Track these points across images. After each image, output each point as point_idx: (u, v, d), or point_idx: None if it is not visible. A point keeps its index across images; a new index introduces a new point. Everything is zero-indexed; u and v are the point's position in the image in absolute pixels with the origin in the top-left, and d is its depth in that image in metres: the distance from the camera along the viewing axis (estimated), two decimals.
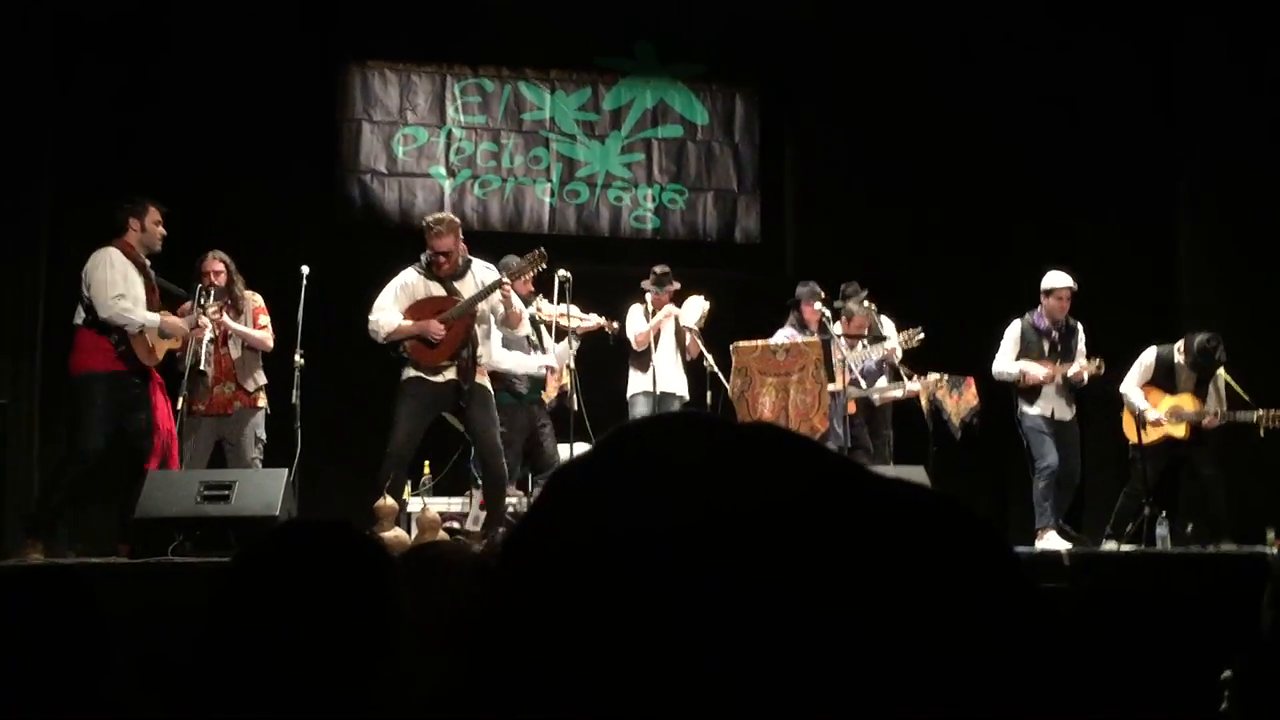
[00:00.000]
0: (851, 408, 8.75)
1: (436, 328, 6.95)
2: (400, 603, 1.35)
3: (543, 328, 8.28)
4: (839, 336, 8.47)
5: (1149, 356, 8.57)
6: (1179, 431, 8.36)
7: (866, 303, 9.05)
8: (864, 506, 0.73)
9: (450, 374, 7.03)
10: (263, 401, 7.56)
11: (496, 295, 7.06)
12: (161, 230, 6.99)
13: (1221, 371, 8.43)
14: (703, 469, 0.71)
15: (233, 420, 7.48)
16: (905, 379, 8.80)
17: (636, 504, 0.70)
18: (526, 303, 8.27)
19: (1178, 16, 10.05)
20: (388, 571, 1.36)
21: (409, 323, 7.02)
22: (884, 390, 9.02)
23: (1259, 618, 2.14)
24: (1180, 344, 8.45)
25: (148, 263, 6.99)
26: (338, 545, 1.34)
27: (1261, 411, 8.23)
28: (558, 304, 8.13)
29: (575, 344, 8.66)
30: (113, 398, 6.74)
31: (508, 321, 7.23)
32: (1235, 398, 8.40)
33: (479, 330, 7.14)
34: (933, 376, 8.91)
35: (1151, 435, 8.35)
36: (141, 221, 6.93)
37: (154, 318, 6.84)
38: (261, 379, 7.59)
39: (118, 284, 6.73)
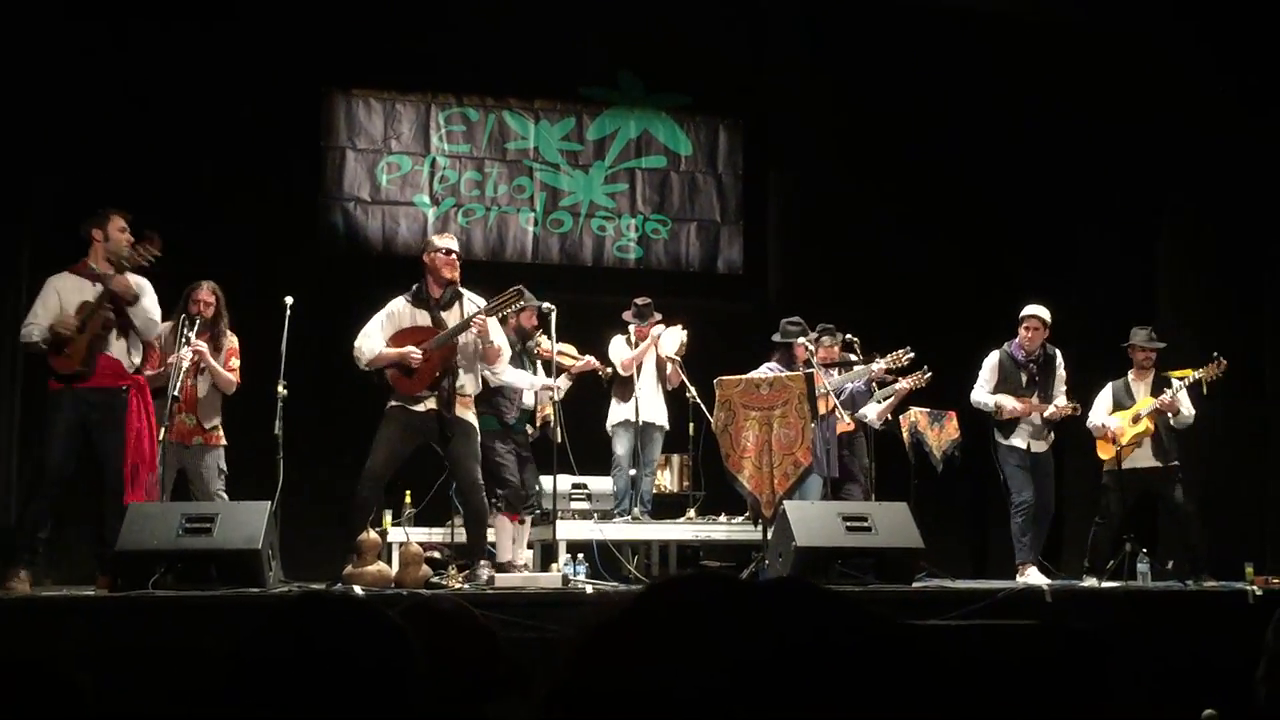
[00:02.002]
0: (843, 427, 8.70)
1: (415, 355, 6.92)
2: (419, 689, 1.33)
3: (539, 363, 8.25)
4: (824, 368, 8.46)
5: (1105, 392, 8.70)
6: (1144, 426, 8.38)
7: (846, 336, 9.04)
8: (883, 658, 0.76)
9: (430, 404, 6.98)
10: (221, 439, 7.55)
11: (470, 330, 7.03)
12: (126, 236, 6.89)
13: (1176, 381, 8.46)
14: (728, 630, 0.74)
15: (192, 452, 7.45)
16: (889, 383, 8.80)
17: (670, 665, 0.72)
18: (528, 337, 8.25)
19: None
20: (412, 658, 1.34)
21: (390, 350, 7.00)
22: (848, 379, 8.90)
23: (1253, 689, 2.13)
24: (1129, 371, 8.62)
25: (108, 272, 6.82)
26: (364, 630, 1.31)
27: (1200, 372, 8.29)
28: (554, 340, 8.11)
29: (568, 383, 8.67)
30: (69, 415, 6.67)
31: (485, 357, 7.17)
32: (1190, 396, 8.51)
33: (462, 362, 7.12)
34: (914, 410, 8.93)
35: (1128, 453, 8.39)
36: (105, 230, 6.88)
37: (43, 323, 6.75)
38: (217, 419, 7.56)
39: (32, 311, 6.82)
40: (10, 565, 6.51)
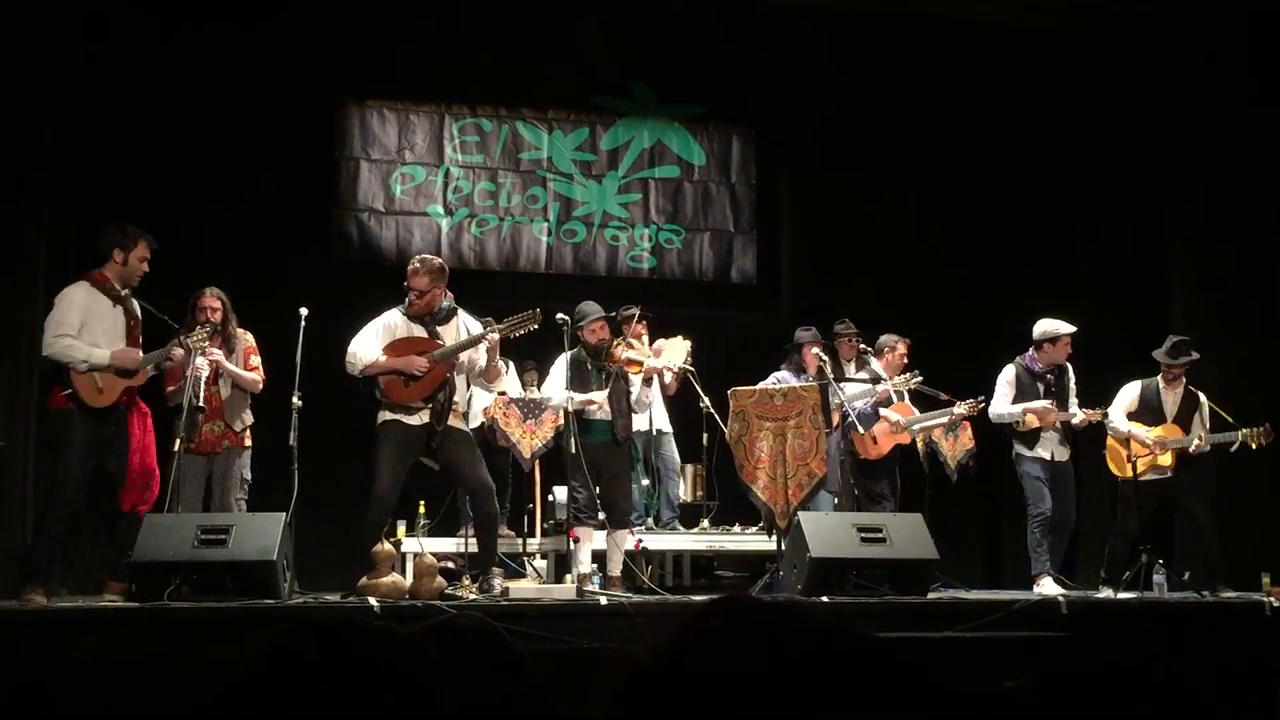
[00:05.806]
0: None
1: (420, 362, 6.96)
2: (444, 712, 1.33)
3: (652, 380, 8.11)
4: (838, 381, 8.46)
5: (1133, 389, 8.65)
6: (1166, 459, 8.35)
7: (860, 345, 9.05)
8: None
9: (424, 416, 7.02)
10: (249, 440, 7.57)
11: (481, 347, 7.06)
12: (144, 267, 6.90)
13: (1204, 399, 8.48)
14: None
15: (220, 458, 7.47)
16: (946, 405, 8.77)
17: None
18: (599, 352, 8.01)
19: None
20: (438, 681, 1.34)
21: (391, 359, 7.02)
22: (929, 420, 8.88)
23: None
24: (1159, 375, 8.54)
25: (125, 292, 6.88)
26: (386, 657, 1.31)
27: (1245, 430, 8.26)
28: (627, 338, 8.07)
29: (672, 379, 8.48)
30: (86, 432, 6.65)
31: (485, 375, 7.22)
32: (1220, 422, 8.43)
33: (458, 379, 7.15)
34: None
35: (1140, 466, 8.35)
36: (126, 254, 6.85)
37: (101, 354, 6.65)
38: (249, 419, 7.58)
39: (65, 322, 6.63)
40: (28, 581, 6.52)
